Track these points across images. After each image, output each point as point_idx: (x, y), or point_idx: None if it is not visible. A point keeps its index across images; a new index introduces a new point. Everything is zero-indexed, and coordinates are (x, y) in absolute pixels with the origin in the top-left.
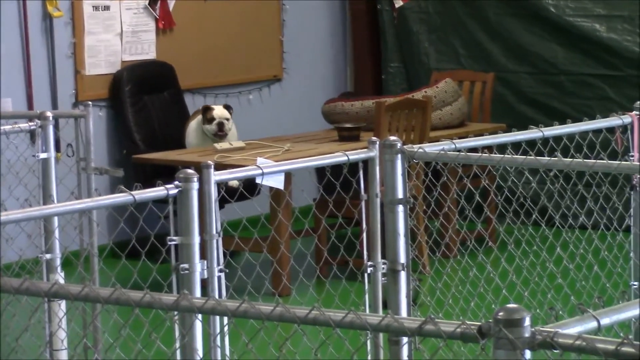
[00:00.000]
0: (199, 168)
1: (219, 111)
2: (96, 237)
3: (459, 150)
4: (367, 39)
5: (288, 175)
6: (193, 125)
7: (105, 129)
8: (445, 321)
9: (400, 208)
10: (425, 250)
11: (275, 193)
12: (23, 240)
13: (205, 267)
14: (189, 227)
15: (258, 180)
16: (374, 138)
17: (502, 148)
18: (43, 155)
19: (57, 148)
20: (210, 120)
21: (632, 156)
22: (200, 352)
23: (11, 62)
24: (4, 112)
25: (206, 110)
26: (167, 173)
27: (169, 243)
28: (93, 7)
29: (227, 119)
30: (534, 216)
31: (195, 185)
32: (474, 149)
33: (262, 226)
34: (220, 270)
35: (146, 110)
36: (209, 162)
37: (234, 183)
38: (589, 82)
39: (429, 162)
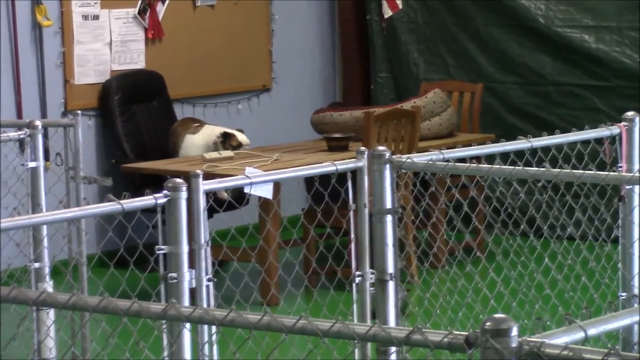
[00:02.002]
0: (188, 177)
1: (241, 137)
2: (85, 246)
3: (447, 161)
4: (356, 49)
5: (277, 185)
6: (197, 140)
7: (94, 138)
8: (432, 331)
9: (389, 218)
10: (413, 260)
11: (263, 203)
12: (12, 249)
13: (194, 277)
14: (177, 236)
15: (247, 190)
16: (362, 148)
17: (490, 158)
18: (32, 164)
19: (46, 157)
20: (237, 147)
21: (621, 167)
22: None
23: (0, 71)
24: None
25: (228, 136)
26: (156, 182)
27: (158, 252)
28: (82, 16)
29: (249, 145)
30: (522, 226)
31: (183, 195)
32: (462, 159)
33: (251, 236)
34: (209, 280)
35: (135, 120)
36: (198, 171)
37: (224, 195)
38: (577, 93)
39: (418, 172)
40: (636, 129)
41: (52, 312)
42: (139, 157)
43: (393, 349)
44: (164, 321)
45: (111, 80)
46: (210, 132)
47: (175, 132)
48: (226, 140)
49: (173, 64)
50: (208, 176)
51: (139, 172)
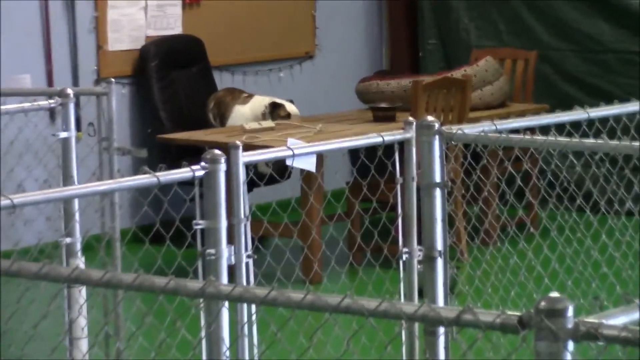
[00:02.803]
0: (227, 149)
1: (290, 108)
2: (118, 221)
3: (499, 132)
4: (403, 15)
5: (320, 157)
6: (246, 111)
7: (128, 108)
8: (484, 311)
9: (438, 192)
10: (463, 237)
11: (306, 176)
12: (42, 223)
13: (233, 253)
14: (215, 210)
15: (288, 162)
16: (410, 118)
17: (545, 130)
18: (63, 135)
19: (78, 127)
20: (286, 117)
21: None
22: (227, 341)
23: (30, 37)
24: (22, 89)
25: (277, 106)
26: (193, 154)
27: (195, 227)
28: None
29: (298, 115)
30: (578, 201)
31: (222, 167)
32: (515, 131)
33: (293, 210)
34: (249, 256)
35: (173, 88)
36: (237, 142)
37: (265, 169)
38: (637, 61)
39: (468, 144)
40: None
41: (84, 290)
42: (176, 127)
43: (442, 329)
44: (201, 299)
45: (148, 45)
46: (259, 102)
47: (223, 102)
48: (275, 110)
49: (211, 30)
50: (248, 147)
51: (176, 142)
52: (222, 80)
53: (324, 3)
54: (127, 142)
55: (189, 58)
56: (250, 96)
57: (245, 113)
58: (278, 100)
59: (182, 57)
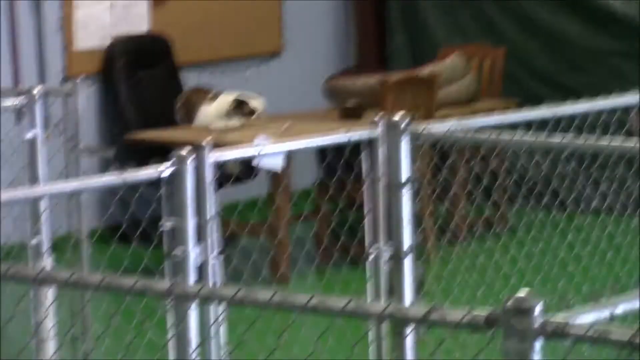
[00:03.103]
0: (194, 147)
1: (255, 104)
2: (85, 221)
3: (466, 130)
4: (371, 12)
5: (288, 156)
6: (211, 110)
7: (95, 107)
8: (451, 310)
9: (405, 191)
10: (431, 236)
11: (273, 175)
12: (9, 224)
13: (201, 253)
14: (183, 210)
15: (255, 162)
16: (377, 117)
17: (512, 128)
18: (30, 135)
19: (45, 127)
20: (250, 114)
21: None
22: (194, 341)
23: None
24: None
25: (241, 103)
26: (162, 153)
27: (162, 227)
28: None
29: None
30: (545, 200)
31: (191, 166)
32: (483, 129)
33: (260, 210)
34: (217, 256)
35: (140, 87)
36: (206, 141)
37: (233, 168)
38: (604, 58)
39: (436, 142)
40: None
41: (51, 291)
42: (143, 126)
43: (410, 328)
44: (169, 300)
45: (114, 44)
46: (224, 101)
47: (190, 102)
48: (239, 107)
49: (178, 28)
50: (216, 146)
51: (143, 142)
52: (190, 79)
53: (291, 1)
54: (94, 141)
55: (155, 57)
56: (216, 95)
57: (210, 112)
58: (242, 97)
59: (148, 56)
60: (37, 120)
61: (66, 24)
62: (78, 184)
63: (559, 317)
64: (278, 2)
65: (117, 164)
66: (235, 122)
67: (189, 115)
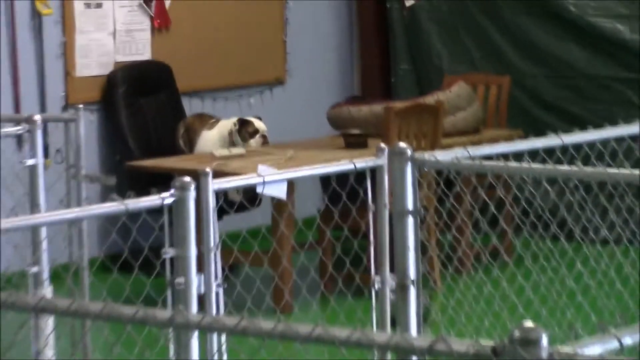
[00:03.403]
0: (197, 176)
1: (258, 124)
2: (86, 249)
3: (472, 159)
4: (375, 40)
5: (291, 184)
6: (213, 135)
7: (97, 134)
8: (457, 340)
9: (410, 220)
10: (436, 265)
11: (277, 203)
12: (9, 252)
13: (203, 282)
14: (185, 238)
15: (259, 190)
16: (382, 145)
17: (518, 156)
18: (30, 162)
19: (46, 154)
20: (253, 133)
21: None
22: None
23: None
24: None
25: (245, 123)
26: (163, 181)
27: (164, 256)
28: (85, 4)
29: (266, 132)
30: (552, 229)
31: (191, 194)
32: (488, 157)
33: (263, 238)
34: (219, 285)
35: (141, 114)
36: (207, 169)
37: (235, 196)
38: (610, 86)
39: (441, 171)
40: None
41: (51, 319)
42: (144, 154)
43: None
44: (170, 329)
45: (116, 71)
46: (225, 124)
47: (192, 128)
48: (242, 127)
49: (181, 55)
50: (218, 174)
51: (145, 170)
52: (192, 107)
53: (294, 28)
54: (95, 169)
55: (157, 84)
56: (218, 121)
57: (212, 137)
58: (245, 117)
59: (150, 83)
60: (38, 148)
61: (67, 51)
62: (79, 212)
63: (567, 348)
64: (281, 29)
65: (118, 192)
66: (238, 149)
67: (191, 142)
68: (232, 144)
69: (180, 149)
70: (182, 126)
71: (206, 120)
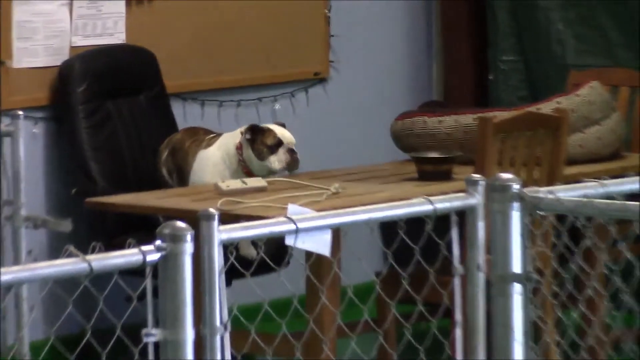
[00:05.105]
0: (194, 219)
1: (281, 131)
2: (27, 329)
3: (611, 198)
4: (465, 18)
5: (337, 233)
6: (214, 155)
7: (43, 155)
8: None
9: (517, 289)
10: (555, 355)
11: (315, 262)
12: None
13: None
14: (177, 314)
15: (289, 242)
16: (475, 176)
17: None
18: None
19: None
20: (274, 147)
21: None
22: None
23: None
24: None
25: (260, 131)
26: (140, 227)
27: (145, 339)
28: None
29: (295, 145)
30: None
31: (188, 248)
32: (634, 196)
33: (295, 315)
34: None
35: (109, 125)
36: (211, 210)
37: (250, 252)
38: None
39: (564, 216)
40: None
41: None
42: (113, 185)
43: None
44: None
45: (72, 61)
46: (230, 138)
47: (181, 150)
48: (257, 137)
49: (170, 37)
50: (226, 218)
51: (114, 210)
52: (187, 115)
53: (341, 1)
54: (40, 207)
55: (135, 81)
56: (217, 136)
57: (213, 160)
58: (265, 125)
59: (123, 79)
60: None
61: (1, 30)
62: (18, 271)
63: None
64: (324, 2)
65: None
66: (256, 180)
67: (180, 169)
68: (244, 166)
69: (163, 181)
70: (165, 148)
71: (202, 136)
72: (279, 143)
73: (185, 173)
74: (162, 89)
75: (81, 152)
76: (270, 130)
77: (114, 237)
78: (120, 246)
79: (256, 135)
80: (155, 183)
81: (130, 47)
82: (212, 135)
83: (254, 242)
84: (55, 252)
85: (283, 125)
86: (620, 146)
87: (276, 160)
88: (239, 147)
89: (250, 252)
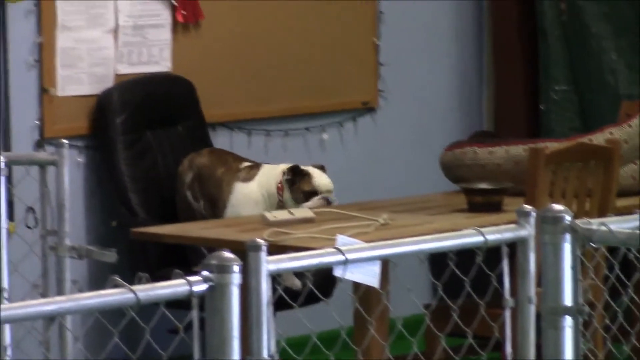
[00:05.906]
0: (242, 250)
1: (321, 179)
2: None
3: None
4: (516, 47)
5: (385, 265)
6: (253, 191)
7: (84, 185)
8: None
9: (568, 322)
10: None
11: (364, 294)
12: None
13: None
14: (224, 346)
15: (338, 273)
16: (526, 207)
17: None
18: None
19: (11, 215)
20: (310, 194)
21: None
22: None
23: None
24: None
25: (299, 173)
26: (180, 259)
27: None
28: None
29: (331, 191)
30: None
31: (236, 278)
32: None
33: (343, 348)
34: None
35: (149, 156)
36: (259, 240)
37: (295, 283)
38: None
39: (617, 248)
40: None
41: None
42: (153, 216)
43: None
44: None
45: (111, 91)
46: (271, 172)
47: (212, 177)
48: (296, 179)
49: (217, 65)
50: (273, 249)
51: (160, 240)
52: (233, 144)
53: (392, 28)
54: (81, 238)
55: (173, 111)
56: (257, 166)
57: (253, 196)
58: (303, 167)
59: (161, 109)
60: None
61: (45, 57)
62: (63, 302)
63: None
64: (373, 31)
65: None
66: (305, 210)
67: (212, 197)
68: (281, 206)
69: (186, 205)
70: (188, 170)
71: (232, 164)
72: (314, 192)
73: (220, 203)
74: (201, 119)
75: (121, 184)
76: (309, 176)
77: (155, 270)
78: (162, 278)
79: (296, 177)
80: (193, 212)
81: (168, 77)
82: (247, 165)
83: (297, 272)
84: (96, 283)
85: (322, 168)
86: None
87: (309, 207)
88: (280, 188)
89: (295, 282)
